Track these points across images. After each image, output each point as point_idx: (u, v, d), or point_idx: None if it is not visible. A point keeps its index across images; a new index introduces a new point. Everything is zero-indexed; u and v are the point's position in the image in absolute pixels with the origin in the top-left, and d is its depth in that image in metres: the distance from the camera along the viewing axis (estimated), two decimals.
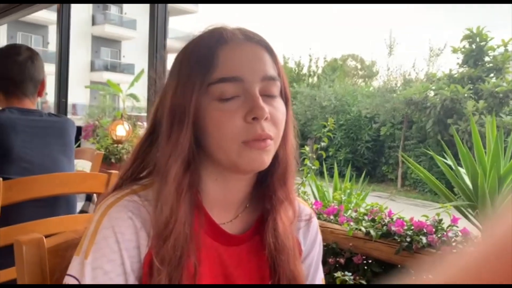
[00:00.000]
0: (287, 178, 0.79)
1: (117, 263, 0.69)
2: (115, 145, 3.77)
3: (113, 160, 3.66)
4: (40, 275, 0.85)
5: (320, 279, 0.90)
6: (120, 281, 0.69)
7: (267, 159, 0.72)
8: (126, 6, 27.63)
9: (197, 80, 0.71)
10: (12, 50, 1.74)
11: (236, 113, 0.70)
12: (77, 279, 0.68)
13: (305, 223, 0.87)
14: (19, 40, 25.07)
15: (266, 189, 0.80)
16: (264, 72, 0.73)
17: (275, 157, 0.76)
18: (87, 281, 0.68)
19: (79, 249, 0.70)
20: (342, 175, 3.15)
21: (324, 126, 2.72)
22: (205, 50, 0.72)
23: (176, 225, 0.69)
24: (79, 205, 2.08)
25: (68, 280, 0.69)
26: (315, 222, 0.90)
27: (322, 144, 2.55)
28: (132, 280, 0.70)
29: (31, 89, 1.74)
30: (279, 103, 0.75)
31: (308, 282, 0.87)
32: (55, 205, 1.72)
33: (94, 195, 2.14)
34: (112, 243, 0.69)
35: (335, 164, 3.21)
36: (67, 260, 0.72)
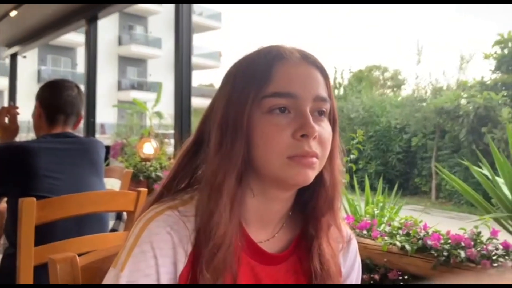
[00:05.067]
0: (335, 202, 0.78)
1: (153, 278, 0.69)
2: (144, 162, 3.80)
3: (141, 178, 3.67)
4: None
5: None
6: None
7: (312, 175, 0.71)
8: (151, 25, 28.20)
9: (252, 92, 0.71)
10: (66, 85, 1.91)
11: (285, 128, 0.70)
12: None
13: (345, 244, 0.86)
14: (50, 62, 25.90)
15: (311, 212, 0.79)
16: (317, 92, 0.73)
17: (322, 180, 0.75)
18: None
19: (116, 261, 0.71)
20: (373, 188, 3.07)
21: (353, 138, 2.66)
22: (262, 65, 0.73)
23: (227, 238, 0.69)
24: (110, 224, 2.09)
25: None
26: (355, 243, 0.88)
27: (352, 156, 2.50)
28: None
29: (73, 120, 1.92)
30: (327, 124, 0.75)
31: None
32: (87, 223, 1.76)
33: (124, 213, 2.15)
34: (149, 258, 0.69)
35: (366, 177, 3.14)
36: (100, 278, 0.72)
